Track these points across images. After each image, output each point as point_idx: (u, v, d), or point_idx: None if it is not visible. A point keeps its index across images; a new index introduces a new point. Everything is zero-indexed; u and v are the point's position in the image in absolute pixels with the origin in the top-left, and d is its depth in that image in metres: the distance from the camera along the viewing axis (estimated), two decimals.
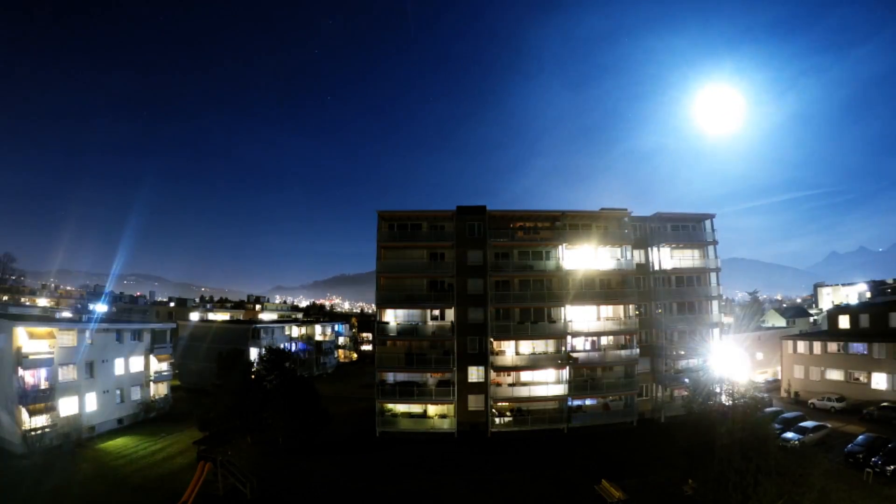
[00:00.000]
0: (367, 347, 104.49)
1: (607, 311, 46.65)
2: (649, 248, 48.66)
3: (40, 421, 35.78)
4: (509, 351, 44.85)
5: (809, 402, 47.18)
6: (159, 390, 49.78)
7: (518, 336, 44.45)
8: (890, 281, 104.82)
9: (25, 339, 36.88)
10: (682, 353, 47.19)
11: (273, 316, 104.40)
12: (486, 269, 44.34)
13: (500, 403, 43.56)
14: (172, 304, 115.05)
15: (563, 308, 44.39)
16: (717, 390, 37.39)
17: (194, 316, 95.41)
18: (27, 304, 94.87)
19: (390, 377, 44.52)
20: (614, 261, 46.29)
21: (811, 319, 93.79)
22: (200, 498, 28.06)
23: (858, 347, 46.25)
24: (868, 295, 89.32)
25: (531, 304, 44.39)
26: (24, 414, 35.06)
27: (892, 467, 28.79)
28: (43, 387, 37.00)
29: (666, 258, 48.93)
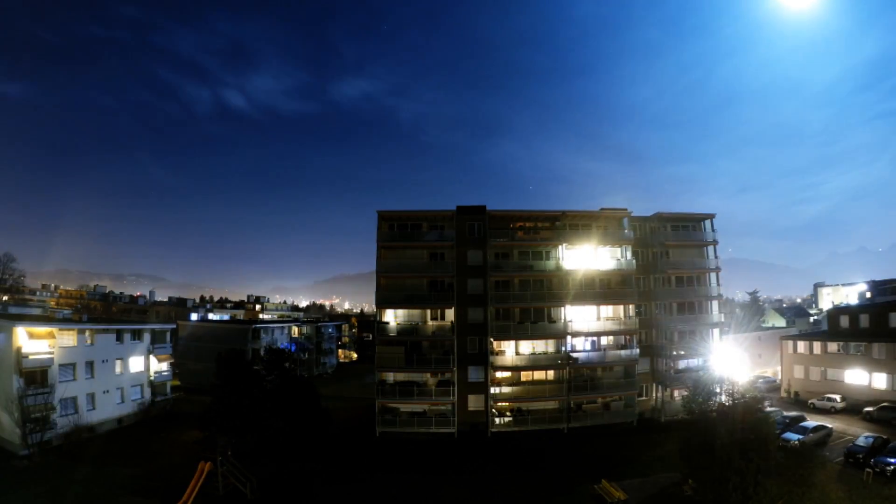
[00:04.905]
0: (368, 347, 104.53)
1: (607, 311, 46.65)
2: (649, 248, 48.70)
3: (40, 421, 35.73)
4: (509, 351, 44.87)
5: (809, 402, 47.12)
6: (159, 390, 49.80)
7: (518, 336, 44.48)
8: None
9: (25, 339, 36.94)
10: (682, 353, 47.16)
11: (273, 316, 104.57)
12: (486, 269, 44.33)
13: (500, 403, 43.56)
14: (172, 305, 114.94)
15: (563, 308, 44.39)
16: (717, 390, 37.45)
17: (194, 316, 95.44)
18: (27, 303, 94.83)
19: (390, 377, 44.53)
20: (614, 261, 46.27)
21: (811, 319, 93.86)
22: (200, 498, 28.07)
23: (858, 347, 46.26)
24: (868, 295, 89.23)
25: (531, 304, 44.38)
26: (25, 414, 35.02)
27: (893, 467, 28.81)
28: (43, 387, 37.01)
29: (666, 258, 48.95)
